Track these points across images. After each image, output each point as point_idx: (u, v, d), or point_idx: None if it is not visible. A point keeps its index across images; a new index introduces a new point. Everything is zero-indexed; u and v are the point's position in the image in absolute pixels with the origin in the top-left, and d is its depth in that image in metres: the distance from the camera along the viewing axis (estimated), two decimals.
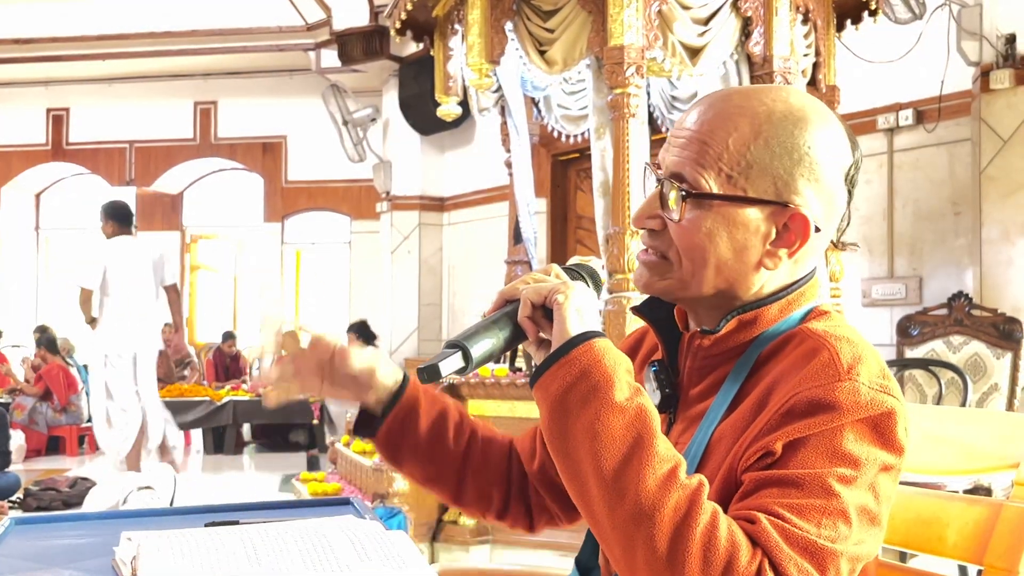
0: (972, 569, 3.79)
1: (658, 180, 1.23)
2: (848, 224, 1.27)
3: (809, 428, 1.07)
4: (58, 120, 13.21)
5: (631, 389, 1.07)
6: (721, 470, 1.13)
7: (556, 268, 1.22)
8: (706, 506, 1.01)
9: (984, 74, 5.74)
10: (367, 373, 1.40)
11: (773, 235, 1.19)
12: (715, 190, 1.18)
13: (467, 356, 1.13)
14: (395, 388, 1.42)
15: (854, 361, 1.10)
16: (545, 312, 1.16)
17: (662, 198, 1.22)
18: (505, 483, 1.49)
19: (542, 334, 1.17)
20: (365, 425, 1.44)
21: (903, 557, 3.17)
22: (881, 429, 1.08)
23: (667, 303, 1.31)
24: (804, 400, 1.08)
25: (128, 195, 13.21)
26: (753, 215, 1.18)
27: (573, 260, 1.31)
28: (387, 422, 1.42)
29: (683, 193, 1.19)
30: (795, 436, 1.07)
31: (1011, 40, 5.64)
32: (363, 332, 10.54)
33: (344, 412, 8.57)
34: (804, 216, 1.18)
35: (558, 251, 9.10)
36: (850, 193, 1.25)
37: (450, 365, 1.13)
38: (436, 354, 1.15)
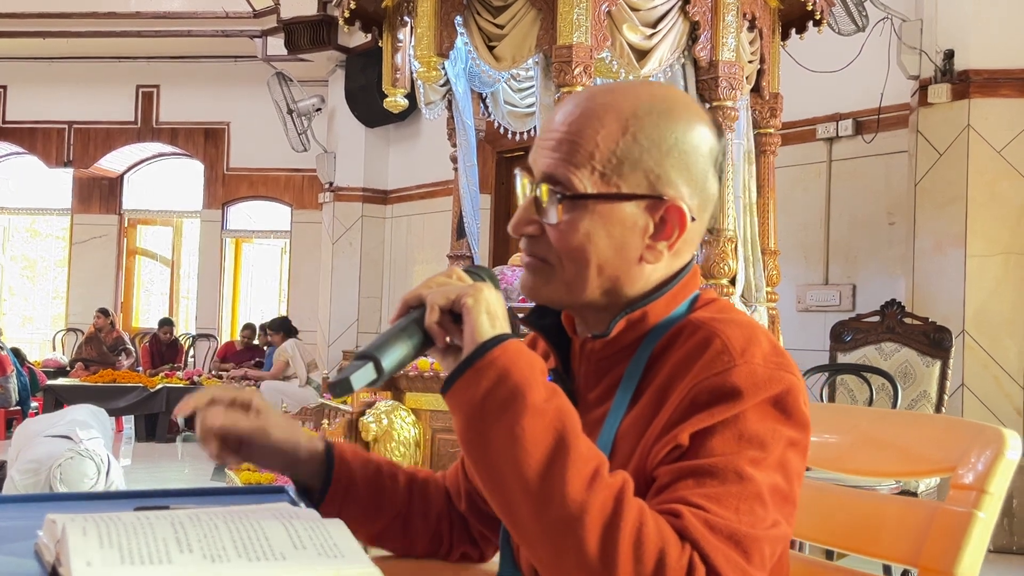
0: (896, 569, 3.87)
1: (532, 185, 1.22)
2: (720, 211, 1.29)
3: (714, 416, 1.07)
4: None
5: (548, 390, 1.05)
6: (628, 468, 1.12)
7: (459, 271, 1.19)
8: (633, 503, 1.01)
9: (922, 88, 5.84)
10: (291, 445, 1.34)
11: (651, 229, 1.19)
12: (589, 189, 1.17)
13: (379, 367, 1.09)
14: (324, 458, 1.37)
15: (746, 344, 1.11)
16: (453, 316, 1.12)
17: (537, 203, 1.20)
18: (449, 520, 1.45)
19: (450, 339, 1.13)
20: (305, 496, 1.38)
21: (829, 555, 3.23)
22: (783, 406, 1.10)
23: (554, 309, 1.29)
24: (705, 389, 1.09)
25: (66, 177, 12.99)
26: (629, 211, 1.18)
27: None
28: (328, 495, 1.37)
29: (558, 196, 1.18)
30: (701, 426, 1.07)
31: (949, 56, 5.75)
32: (284, 327, 10.47)
33: (279, 401, 8.49)
34: (679, 207, 1.19)
35: (500, 248, 9.11)
36: (719, 180, 1.26)
37: (362, 378, 1.09)
38: (346, 367, 1.11)
